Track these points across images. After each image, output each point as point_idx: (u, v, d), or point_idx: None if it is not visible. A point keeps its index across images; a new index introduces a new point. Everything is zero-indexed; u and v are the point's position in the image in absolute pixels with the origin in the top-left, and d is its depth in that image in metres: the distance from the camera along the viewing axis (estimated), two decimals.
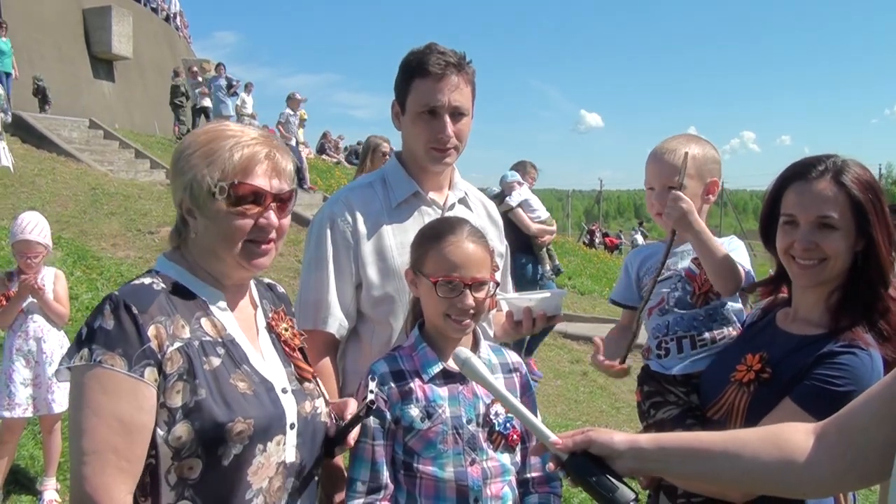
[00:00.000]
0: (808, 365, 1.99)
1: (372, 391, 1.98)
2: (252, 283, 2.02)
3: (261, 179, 1.79)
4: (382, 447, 2.10)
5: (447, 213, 2.62)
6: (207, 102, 21.38)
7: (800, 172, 2.11)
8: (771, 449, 1.52)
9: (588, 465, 1.61)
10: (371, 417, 2.05)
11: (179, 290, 1.80)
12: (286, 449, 1.81)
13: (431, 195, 2.65)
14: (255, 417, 1.71)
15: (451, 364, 2.17)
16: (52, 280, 5.04)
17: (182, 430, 1.64)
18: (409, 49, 2.59)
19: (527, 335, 2.60)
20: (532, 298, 2.52)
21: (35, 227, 4.92)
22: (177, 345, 1.69)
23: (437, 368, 2.17)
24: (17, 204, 11.48)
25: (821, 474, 1.48)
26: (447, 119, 2.49)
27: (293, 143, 18.24)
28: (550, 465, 1.68)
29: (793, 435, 1.54)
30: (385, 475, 2.09)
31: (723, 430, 2.02)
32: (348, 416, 1.99)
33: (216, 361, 1.74)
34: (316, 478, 1.97)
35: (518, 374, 2.35)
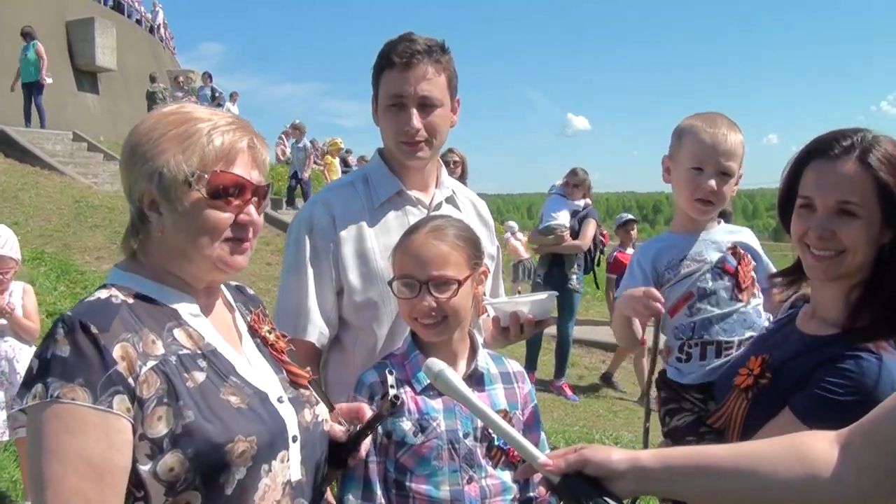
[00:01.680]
0: (810, 370, 1.79)
1: (393, 385, 1.82)
2: (223, 285, 1.82)
3: (241, 169, 1.60)
4: (375, 464, 1.94)
5: (433, 212, 2.46)
6: None
7: (822, 149, 1.85)
8: (792, 463, 1.34)
9: (584, 487, 1.41)
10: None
11: (143, 301, 1.56)
12: (291, 466, 1.61)
13: (416, 194, 2.50)
14: (257, 434, 1.51)
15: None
16: (20, 295, 4.89)
17: (173, 460, 1.42)
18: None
19: (516, 342, 2.43)
20: (519, 302, 2.36)
21: (6, 242, 4.77)
22: (150, 364, 1.45)
23: (426, 379, 1.98)
24: (0, 219, 11.27)
25: (847, 490, 1.30)
26: (414, 111, 2.34)
27: (306, 176, 18.12)
28: (541, 490, 1.49)
29: (814, 446, 1.35)
30: (379, 494, 1.93)
31: (726, 442, 1.89)
32: (365, 420, 1.81)
33: (200, 376, 1.51)
34: (325, 495, 1.81)
35: (519, 384, 2.19)
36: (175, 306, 1.61)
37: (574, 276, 8.51)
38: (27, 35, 17.10)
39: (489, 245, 2.63)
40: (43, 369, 1.39)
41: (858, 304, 1.83)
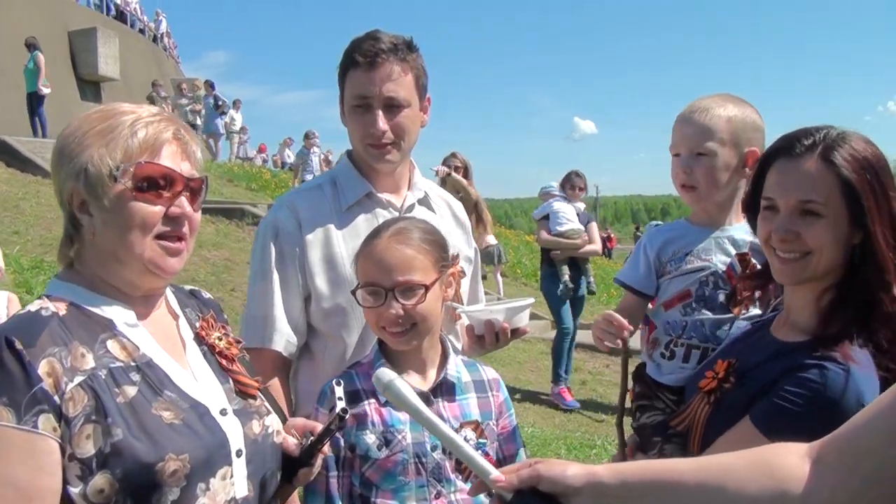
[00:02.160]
0: (776, 378, 1.72)
1: (340, 398, 1.75)
2: (169, 290, 1.73)
3: (168, 161, 1.54)
4: (336, 478, 1.89)
5: (404, 215, 2.37)
6: (199, 121, 21.26)
7: (785, 147, 1.78)
8: (759, 478, 1.25)
9: None
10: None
11: (76, 312, 1.49)
12: (235, 482, 1.53)
13: (387, 196, 2.41)
14: (189, 451, 1.43)
15: (413, 383, 1.96)
16: (5, 304, 4.85)
17: (102, 481, 1.35)
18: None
19: (492, 350, 2.35)
20: (494, 310, 2.27)
21: None
22: (77, 379, 1.38)
23: None
24: (0, 228, 11.26)
25: None
26: (379, 112, 2.25)
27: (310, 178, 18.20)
28: None
29: (785, 459, 1.27)
30: None
31: (685, 447, 1.84)
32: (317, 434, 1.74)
33: (131, 391, 1.44)
34: None
35: (493, 393, 2.11)
36: (110, 316, 1.54)
37: (592, 280, 8.58)
38: (30, 46, 17.15)
39: (465, 247, 2.56)
40: None
41: (830, 309, 1.76)
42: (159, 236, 1.53)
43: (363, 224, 2.33)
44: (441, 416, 1.92)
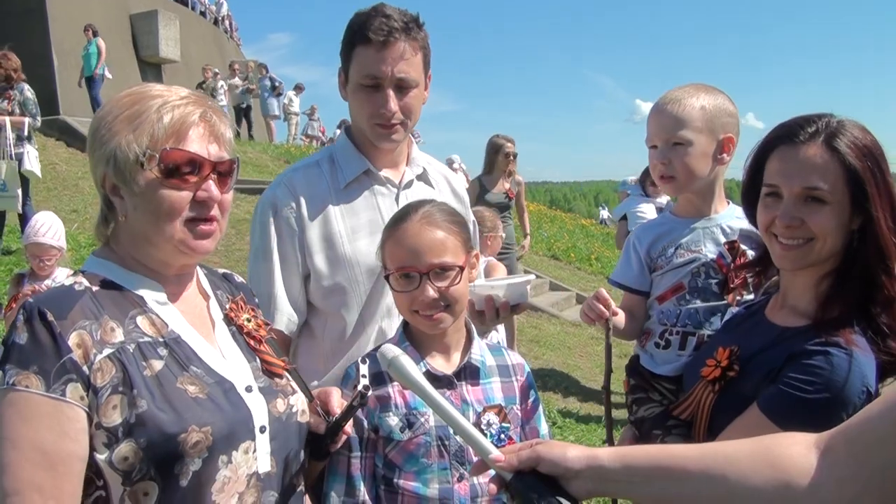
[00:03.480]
0: (780, 364, 1.75)
1: (364, 375, 1.77)
2: (201, 272, 1.80)
3: (196, 145, 1.56)
4: (359, 459, 1.91)
5: (403, 192, 2.41)
6: (252, 102, 21.42)
7: (786, 135, 1.81)
8: (763, 468, 1.23)
9: (536, 485, 1.32)
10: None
11: (108, 288, 1.56)
12: (258, 457, 1.58)
13: (385, 173, 2.37)
14: (212, 424, 1.49)
15: (437, 367, 1.99)
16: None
17: (127, 449, 1.42)
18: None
19: (492, 326, 2.31)
20: (494, 286, 2.24)
21: (49, 228, 4.90)
22: (106, 352, 1.46)
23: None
24: (60, 206, 11.56)
25: (826, 498, 1.18)
26: (390, 92, 2.24)
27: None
28: (492, 487, 1.37)
29: (790, 449, 1.25)
30: (362, 490, 1.90)
31: (688, 439, 1.89)
32: (336, 409, 1.78)
33: (158, 365, 1.51)
34: (300, 488, 1.75)
35: (518, 378, 2.08)
36: (141, 293, 1.60)
37: None
38: (92, 31, 17.47)
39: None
40: (4, 356, 1.42)
41: (829, 294, 1.79)
42: (189, 220, 1.57)
43: (361, 202, 2.33)
44: (465, 400, 1.97)
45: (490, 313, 2.22)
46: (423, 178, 2.51)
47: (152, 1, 24.67)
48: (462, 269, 1.96)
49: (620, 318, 2.31)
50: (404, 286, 1.95)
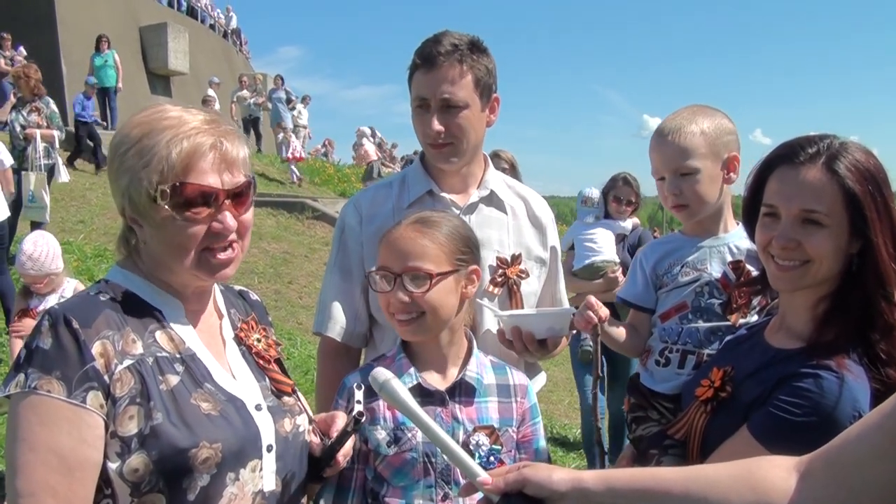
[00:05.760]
0: (771, 386, 1.73)
1: (359, 401, 1.76)
2: (217, 289, 1.82)
3: (209, 176, 1.55)
4: (351, 471, 1.91)
5: (466, 215, 2.40)
6: (261, 115, 21.47)
7: (787, 155, 1.78)
8: (744, 491, 1.27)
9: None
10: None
11: (131, 301, 1.59)
12: (264, 476, 1.60)
13: (450, 195, 2.45)
14: (222, 441, 1.51)
15: (432, 381, 1.97)
16: (72, 293, 4.92)
17: (138, 461, 1.43)
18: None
19: (528, 358, 2.27)
20: (523, 315, 2.17)
21: (36, 261, 4.82)
22: (127, 363, 1.48)
23: (409, 384, 1.91)
24: (66, 217, 11.60)
25: None
26: (434, 113, 2.31)
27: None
28: None
29: (770, 472, 1.28)
30: (352, 502, 1.92)
31: (683, 459, 1.89)
32: (334, 433, 1.77)
33: (174, 380, 1.53)
34: None
35: (518, 399, 2.03)
36: (161, 308, 1.62)
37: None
38: (107, 41, 17.58)
39: (537, 247, 2.55)
40: (27, 359, 1.43)
41: (825, 317, 1.77)
42: (206, 248, 1.58)
43: None
44: (455, 418, 1.93)
45: (518, 345, 2.17)
46: (490, 200, 2.50)
47: (162, 14, 24.91)
48: (434, 277, 1.92)
49: (620, 331, 2.34)
50: (380, 286, 1.98)
